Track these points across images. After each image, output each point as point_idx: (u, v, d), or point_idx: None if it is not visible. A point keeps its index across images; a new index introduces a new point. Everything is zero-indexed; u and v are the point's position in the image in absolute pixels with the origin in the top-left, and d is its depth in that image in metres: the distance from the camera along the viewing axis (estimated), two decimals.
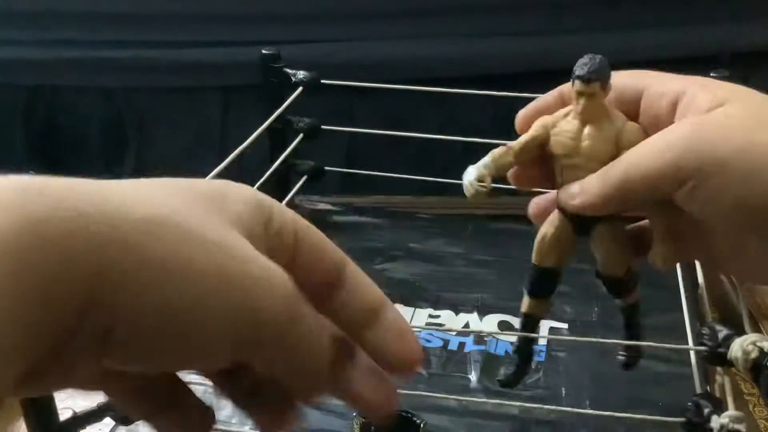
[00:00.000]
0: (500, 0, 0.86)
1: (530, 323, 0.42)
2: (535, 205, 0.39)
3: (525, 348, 0.43)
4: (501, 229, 0.67)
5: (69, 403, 0.52)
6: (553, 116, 0.36)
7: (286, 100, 0.63)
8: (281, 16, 0.89)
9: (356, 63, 0.87)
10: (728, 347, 0.32)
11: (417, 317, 0.57)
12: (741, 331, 0.32)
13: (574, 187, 0.34)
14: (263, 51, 0.66)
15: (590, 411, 0.46)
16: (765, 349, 0.31)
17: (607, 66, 0.34)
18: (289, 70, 0.65)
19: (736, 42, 0.84)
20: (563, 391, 0.50)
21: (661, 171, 0.31)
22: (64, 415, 0.40)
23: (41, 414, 0.39)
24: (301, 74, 0.64)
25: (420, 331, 0.55)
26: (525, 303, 0.41)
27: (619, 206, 0.34)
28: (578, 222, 0.36)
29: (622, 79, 0.36)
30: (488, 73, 0.87)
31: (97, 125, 0.96)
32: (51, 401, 0.39)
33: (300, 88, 0.64)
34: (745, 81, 0.86)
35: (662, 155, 0.31)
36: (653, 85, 0.34)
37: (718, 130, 0.30)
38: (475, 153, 0.92)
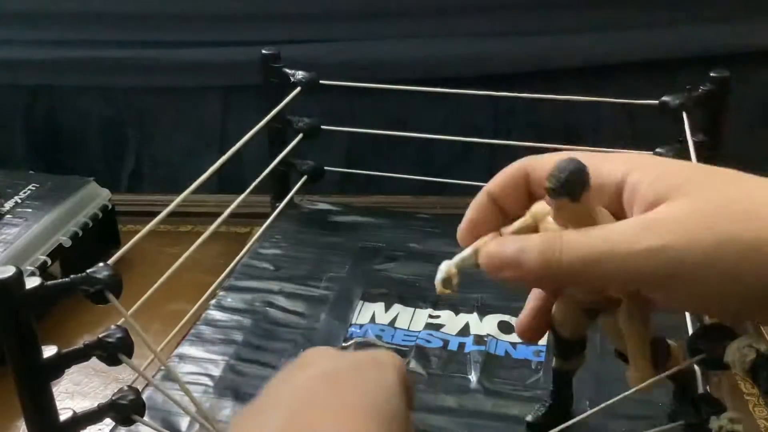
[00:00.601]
0: (500, 0, 0.86)
1: (560, 377, 0.43)
2: (520, 325, 0.39)
3: (559, 394, 0.43)
4: None
5: (69, 403, 0.52)
6: (543, 207, 0.33)
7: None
8: (281, 16, 0.89)
9: (356, 63, 0.87)
10: (723, 351, 0.32)
11: (417, 317, 0.57)
12: (733, 335, 0.32)
13: (502, 250, 0.32)
14: (263, 51, 0.66)
15: (590, 411, 0.46)
16: (761, 351, 0.31)
17: (582, 175, 0.30)
18: (288, 70, 0.65)
19: (736, 42, 0.84)
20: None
21: (626, 276, 0.29)
22: (64, 415, 0.40)
23: (41, 414, 0.39)
24: (300, 74, 0.64)
25: (419, 332, 0.55)
26: (555, 362, 0.42)
27: (552, 286, 0.34)
28: (584, 311, 0.36)
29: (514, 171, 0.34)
30: (488, 73, 0.87)
31: (97, 125, 0.97)
32: (51, 401, 0.39)
33: (298, 88, 0.64)
34: (745, 81, 0.86)
35: (629, 260, 0.28)
36: (593, 171, 0.31)
37: (685, 230, 0.28)
38: (475, 153, 0.92)
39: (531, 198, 0.34)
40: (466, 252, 0.34)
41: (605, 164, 0.32)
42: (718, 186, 0.29)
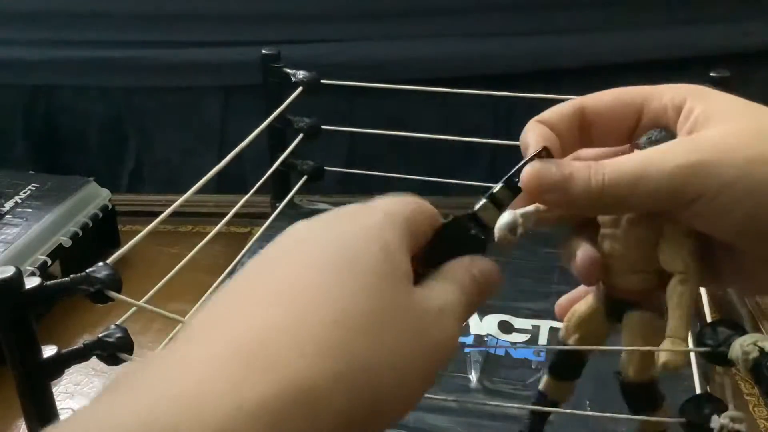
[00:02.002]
0: (500, 0, 0.86)
1: (544, 403, 0.39)
2: (559, 307, 0.37)
3: (535, 426, 0.40)
4: None
5: (69, 403, 0.52)
6: None
7: (285, 100, 0.63)
8: (281, 16, 0.89)
9: (356, 63, 0.87)
10: (728, 347, 0.32)
11: None
12: (741, 331, 0.32)
13: (553, 171, 0.31)
14: (263, 51, 0.66)
15: (590, 412, 0.46)
16: (765, 349, 0.30)
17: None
18: (289, 70, 0.65)
19: (736, 42, 0.84)
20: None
21: (665, 190, 0.29)
22: (64, 415, 0.40)
23: (41, 414, 0.39)
24: (301, 74, 0.64)
25: None
26: (544, 381, 0.38)
27: (593, 212, 0.33)
28: (611, 305, 0.34)
29: (615, 94, 0.35)
30: (488, 73, 0.87)
31: (97, 125, 0.97)
32: (51, 401, 0.39)
33: (300, 88, 0.64)
34: (745, 81, 0.86)
35: (668, 175, 0.29)
36: (654, 96, 0.33)
37: (718, 149, 0.29)
38: (475, 153, 0.92)
39: (583, 133, 0.34)
40: (530, 208, 0.32)
41: (666, 92, 0.33)
42: (756, 115, 0.31)
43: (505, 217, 0.32)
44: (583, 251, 0.33)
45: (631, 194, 0.30)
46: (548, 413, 0.39)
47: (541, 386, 0.38)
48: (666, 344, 0.31)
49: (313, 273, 0.25)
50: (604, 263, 0.33)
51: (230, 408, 0.20)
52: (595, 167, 0.30)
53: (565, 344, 0.36)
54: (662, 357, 0.31)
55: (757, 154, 0.28)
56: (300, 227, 0.29)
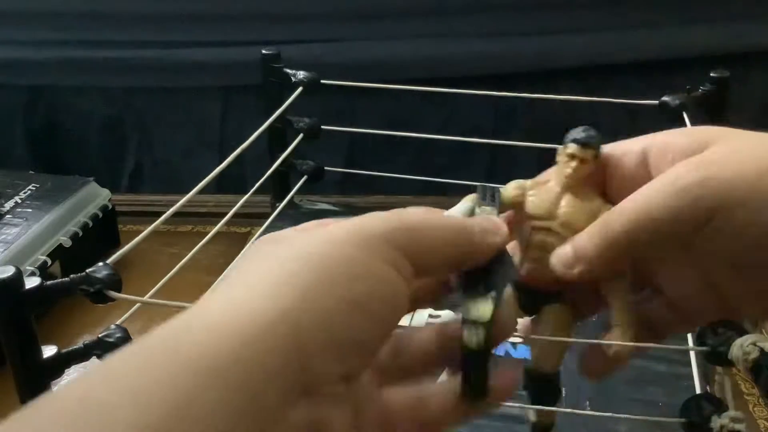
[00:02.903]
0: (500, 0, 0.86)
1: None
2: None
3: None
4: None
5: None
6: (532, 180, 0.34)
7: (285, 100, 0.63)
8: (281, 16, 0.89)
9: (356, 63, 0.87)
10: (728, 347, 0.32)
11: (417, 317, 0.57)
12: (741, 331, 0.32)
13: (566, 250, 0.31)
14: (263, 51, 0.66)
15: (590, 412, 0.46)
16: (765, 349, 0.30)
17: (601, 141, 0.33)
18: (289, 70, 0.65)
19: (736, 42, 0.84)
20: (563, 392, 0.50)
21: (676, 214, 0.28)
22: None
23: None
24: (301, 74, 0.64)
25: None
26: (533, 416, 0.38)
27: (621, 263, 0.31)
28: (526, 297, 0.34)
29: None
30: (488, 73, 0.87)
31: (97, 125, 0.97)
32: None
33: (300, 88, 0.64)
34: (745, 81, 0.86)
35: (675, 197, 0.28)
36: (616, 146, 0.33)
37: (727, 165, 0.28)
38: (475, 153, 0.92)
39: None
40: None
41: (632, 143, 0.33)
42: (749, 135, 0.30)
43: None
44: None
45: (646, 230, 0.29)
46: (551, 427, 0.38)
47: (534, 419, 0.38)
48: (615, 333, 0.31)
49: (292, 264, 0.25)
50: (532, 256, 0.33)
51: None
52: (601, 222, 0.30)
53: (539, 374, 0.36)
54: (614, 347, 0.31)
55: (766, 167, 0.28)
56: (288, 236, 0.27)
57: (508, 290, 0.31)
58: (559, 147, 0.33)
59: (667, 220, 0.28)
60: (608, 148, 0.33)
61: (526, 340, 0.35)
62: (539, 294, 0.33)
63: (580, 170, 0.33)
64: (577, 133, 0.33)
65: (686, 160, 0.29)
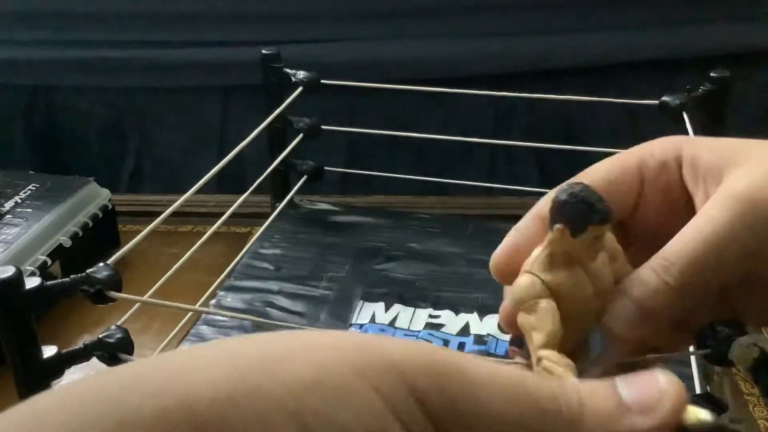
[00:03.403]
0: (500, 0, 0.86)
1: None
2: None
3: None
4: (501, 229, 0.67)
5: None
6: (541, 270, 0.26)
7: (285, 100, 0.63)
8: (281, 16, 0.89)
9: (356, 63, 0.87)
10: (729, 347, 0.32)
11: (417, 317, 0.57)
12: (741, 331, 0.32)
13: (627, 308, 0.27)
14: (263, 51, 0.66)
15: None
16: (765, 349, 0.30)
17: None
18: (289, 70, 0.65)
19: (736, 42, 0.84)
20: None
21: (738, 251, 0.26)
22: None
23: None
24: (301, 74, 0.64)
25: (420, 332, 0.55)
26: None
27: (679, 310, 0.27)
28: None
29: (612, 168, 0.30)
30: (488, 73, 0.87)
31: (97, 125, 0.97)
32: None
33: (300, 88, 0.64)
34: (745, 81, 0.86)
35: (730, 234, 0.26)
36: (644, 158, 0.29)
37: (758, 192, 0.26)
38: (475, 153, 0.92)
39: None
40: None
41: (657, 146, 0.29)
42: (761, 147, 0.28)
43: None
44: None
45: (705, 270, 0.26)
46: None
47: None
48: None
49: None
50: None
51: None
52: (653, 269, 0.26)
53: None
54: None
55: None
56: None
57: None
58: (554, 227, 0.25)
59: (725, 253, 0.26)
60: (644, 148, 0.30)
61: None
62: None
63: (599, 245, 0.26)
64: (589, 209, 0.25)
65: (721, 196, 0.27)
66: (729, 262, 0.26)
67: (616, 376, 0.22)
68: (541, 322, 0.25)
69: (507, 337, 0.54)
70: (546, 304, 0.26)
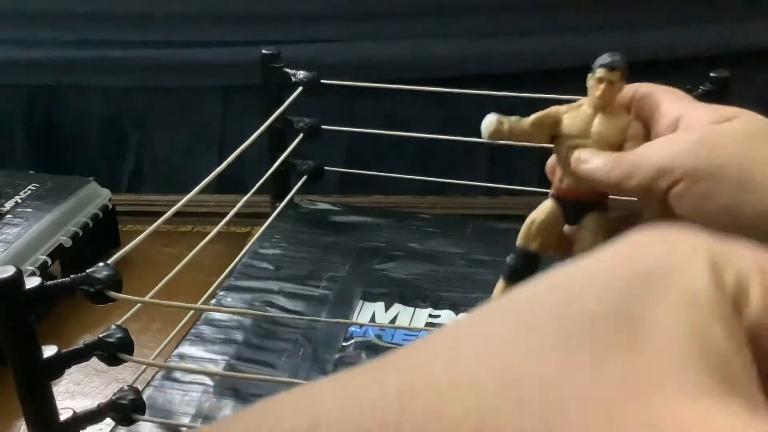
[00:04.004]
0: (500, 0, 0.86)
1: None
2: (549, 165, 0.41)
3: None
4: (501, 229, 0.67)
5: (69, 403, 0.52)
6: (566, 105, 0.39)
7: (285, 100, 0.63)
8: (281, 16, 0.89)
9: (356, 63, 0.87)
10: None
11: (417, 317, 0.57)
12: None
13: (587, 154, 0.37)
14: (263, 51, 0.66)
15: None
16: None
17: (626, 63, 0.38)
18: (289, 70, 0.65)
19: (736, 42, 0.84)
20: None
21: (660, 167, 0.33)
22: (64, 415, 0.40)
23: (41, 414, 0.39)
24: (301, 74, 0.64)
25: (419, 332, 0.55)
26: (499, 289, 0.42)
27: (617, 190, 0.36)
28: (570, 209, 0.39)
29: (642, 89, 0.38)
30: (488, 73, 0.87)
31: (97, 125, 0.97)
32: (51, 401, 0.39)
33: (300, 88, 0.64)
34: (745, 81, 0.86)
35: (665, 153, 0.33)
36: (663, 105, 0.37)
37: (720, 138, 0.31)
38: (475, 153, 0.92)
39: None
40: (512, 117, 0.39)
41: (664, 101, 0.37)
42: (763, 120, 0.33)
43: (492, 116, 0.39)
44: (551, 160, 0.40)
45: (633, 185, 0.34)
46: None
47: (495, 294, 0.42)
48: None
49: None
50: (571, 171, 0.38)
51: None
52: (616, 163, 0.35)
53: (525, 250, 0.40)
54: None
55: (755, 153, 0.31)
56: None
57: None
58: (588, 74, 0.38)
59: (653, 170, 0.33)
60: (655, 100, 0.37)
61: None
62: (579, 205, 0.39)
63: (609, 91, 0.37)
64: (604, 58, 0.38)
65: (696, 127, 0.33)
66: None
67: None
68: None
69: None
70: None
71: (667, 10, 0.85)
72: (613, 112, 0.38)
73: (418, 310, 0.58)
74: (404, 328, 0.56)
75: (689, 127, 0.34)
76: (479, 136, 0.60)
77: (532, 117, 0.39)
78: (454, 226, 0.69)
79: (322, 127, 0.68)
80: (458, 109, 0.88)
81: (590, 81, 0.38)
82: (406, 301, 0.58)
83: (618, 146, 0.38)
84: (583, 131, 0.38)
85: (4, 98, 0.95)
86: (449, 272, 0.63)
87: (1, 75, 0.93)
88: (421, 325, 0.56)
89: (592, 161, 0.36)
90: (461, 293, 0.60)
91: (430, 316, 0.57)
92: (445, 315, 0.57)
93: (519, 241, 0.41)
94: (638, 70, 0.96)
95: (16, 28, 0.92)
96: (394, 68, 0.86)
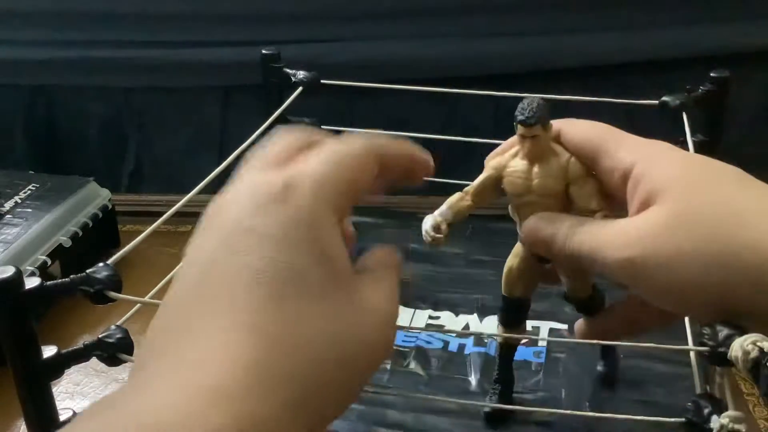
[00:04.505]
0: (500, 0, 0.86)
1: (507, 353, 0.45)
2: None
3: (506, 376, 0.45)
4: (501, 229, 0.67)
5: (69, 403, 0.52)
6: (503, 157, 0.38)
7: (285, 100, 0.63)
8: (281, 16, 0.89)
9: (356, 63, 0.87)
10: (728, 347, 0.32)
11: (417, 318, 0.57)
12: (741, 332, 0.32)
13: (536, 223, 0.38)
14: (263, 51, 0.66)
15: (590, 413, 0.46)
16: (765, 349, 0.30)
17: (547, 108, 0.36)
18: (289, 70, 0.65)
19: (736, 42, 0.84)
20: (563, 393, 0.50)
21: (617, 266, 0.34)
22: (64, 415, 0.40)
23: (41, 414, 0.39)
24: (301, 74, 0.64)
25: (420, 333, 0.55)
26: (499, 332, 0.44)
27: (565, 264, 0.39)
28: (537, 256, 0.39)
29: (581, 134, 0.38)
30: (488, 73, 0.87)
31: (97, 125, 0.97)
32: (51, 401, 0.39)
33: (300, 88, 0.64)
34: (745, 81, 0.86)
35: (609, 266, 0.34)
36: (608, 152, 0.36)
37: (648, 247, 0.32)
38: (475, 153, 0.92)
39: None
40: (443, 207, 0.40)
41: (620, 150, 0.36)
42: (702, 190, 0.33)
43: (428, 221, 0.40)
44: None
45: (588, 267, 0.36)
46: (513, 351, 0.46)
47: (499, 339, 0.45)
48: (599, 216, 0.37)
49: (256, 299, 0.23)
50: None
51: None
52: (571, 236, 0.35)
53: (511, 298, 0.42)
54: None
55: (691, 247, 0.32)
56: (228, 227, 0.26)
57: None
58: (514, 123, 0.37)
59: (608, 266, 0.35)
60: (605, 147, 0.36)
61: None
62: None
63: (536, 146, 0.37)
64: (521, 112, 0.36)
65: (627, 227, 0.34)
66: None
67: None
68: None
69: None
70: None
71: (667, 10, 0.85)
72: (547, 158, 0.37)
73: (418, 311, 0.58)
74: (404, 328, 0.56)
75: (633, 194, 0.35)
76: (479, 136, 0.61)
77: (471, 189, 0.39)
78: (454, 227, 0.69)
79: (322, 127, 0.68)
80: (458, 109, 0.88)
81: (517, 134, 0.37)
82: (406, 303, 0.58)
83: (563, 191, 0.37)
84: (525, 188, 0.38)
85: (4, 98, 0.95)
86: (449, 273, 0.63)
87: (1, 75, 0.93)
88: (421, 326, 0.56)
89: (544, 231, 0.37)
90: (461, 294, 0.60)
91: (430, 317, 0.57)
92: (445, 316, 0.57)
93: (503, 291, 0.42)
94: (638, 69, 0.96)
95: (16, 28, 0.92)
96: (394, 68, 0.86)
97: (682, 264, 0.32)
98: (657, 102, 0.59)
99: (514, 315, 0.43)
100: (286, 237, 0.24)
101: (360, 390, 0.26)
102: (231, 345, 0.22)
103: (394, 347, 0.53)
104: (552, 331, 0.56)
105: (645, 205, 0.34)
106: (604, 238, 0.34)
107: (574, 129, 0.38)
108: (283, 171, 0.27)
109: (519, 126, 0.36)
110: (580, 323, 0.44)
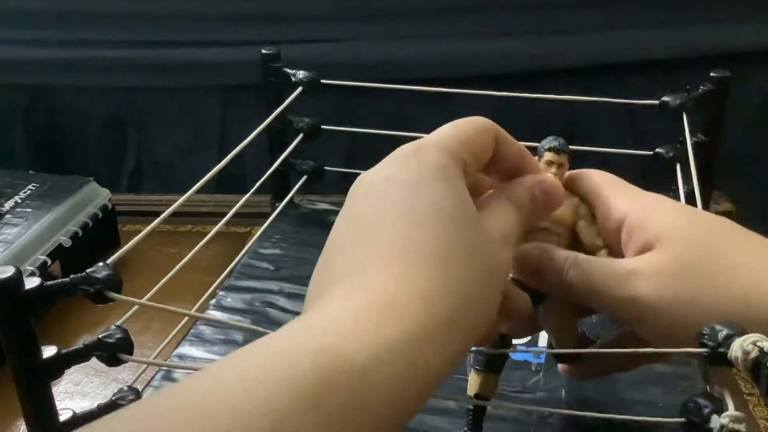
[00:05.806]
0: (500, 0, 0.86)
1: (481, 408, 0.42)
2: None
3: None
4: None
5: (69, 403, 0.52)
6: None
7: (285, 100, 0.63)
8: (281, 16, 0.89)
9: (356, 63, 0.87)
10: (728, 347, 0.32)
11: None
12: (741, 332, 0.32)
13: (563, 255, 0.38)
14: (263, 51, 0.66)
15: (590, 413, 0.46)
16: (765, 349, 0.30)
17: (569, 145, 0.39)
18: (289, 70, 0.65)
19: (736, 42, 0.84)
20: (563, 393, 0.50)
21: (624, 302, 0.35)
22: (64, 415, 0.40)
23: (41, 414, 0.39)
24: (301, 74, 0.64)
25: None
26: (474, 382, 0.42)
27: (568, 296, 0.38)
28: (531, 293, 0.38)
29: (587, 180, 0.40)
30: (488, 73, 0.87)
31: (97, 125, 0.97)
32: (51, 401, 0.39)
33: (300, 88, 0.64)
34: (745, 81, 0.86)
35: (609, 302, 0.36)
36: (607, 199, 0.39)
37: (650, 289, 0.35)
38: None
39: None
40: None
41: (617, 199, 0.38)
42: (699, 241, 0.36)
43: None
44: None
45: (585, 300, 0.37)
46: (484, 410, 0.44)
47: (473, 390, 0.42)
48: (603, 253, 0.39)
49: (408, 229, 0.28)
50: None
51: (373, 349, 0.23)
52: (574, 267, 0.37)
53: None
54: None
55: (688, 294, 0.34)
56: (371, 184, 0.31)
57: None
58: (536, 157, 0.39)
59: (600, 306, 0.38)
60: (606, 198, 0.39)
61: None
62: (535, 292, 0.38)
63: (560, 173, 0.39)
64: (550, 141, 0.39)
65: (629, 267, 0.36)
66: None
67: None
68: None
69: None
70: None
71: (667, 10, 0.86)
72: (564, 192, 0.38)
73: None
74: None
75: (627, 243, 0.37)
76: None
77: None
78: None
79: (322, 127, 0.68)
80: (458, 109, 0.88)
81: (540, 164, 0.39)
82: None
83: (572, 226, 0.39)
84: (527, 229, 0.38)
85: (4, 98, 0.95)
86: None
87: (1, 75, 0.93)
88: None
89: (542, 256, 0.38)
90: None
91: None
92: None
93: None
94: (638, 70, 0.96)
95: (16, 28, 0.92)
96: (394, 68, 0.86)
97: (680, 310, 0.34)
98: (657, 102, 0.59)
99: (498, 357, 0.41)
100: (421, 179, 0.29)
101: (495, 309, 0.30)
102: (388, 267, 0.26)
103: None
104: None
105: (644, 249, 0.36)
106: (611, 273, 0.36)
107: (582, 175, 0.40)
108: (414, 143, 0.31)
109: (548, 153, 0.39)
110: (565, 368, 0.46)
